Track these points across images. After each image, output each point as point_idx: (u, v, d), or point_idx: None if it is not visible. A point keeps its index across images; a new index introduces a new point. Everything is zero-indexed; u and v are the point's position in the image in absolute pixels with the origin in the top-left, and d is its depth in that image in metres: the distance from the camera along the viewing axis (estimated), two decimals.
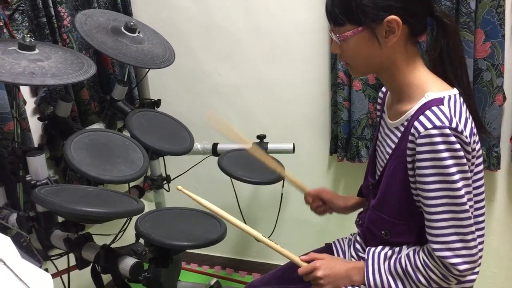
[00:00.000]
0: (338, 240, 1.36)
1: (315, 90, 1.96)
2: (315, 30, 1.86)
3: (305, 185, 1.45)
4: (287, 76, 2.00)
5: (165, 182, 1.88)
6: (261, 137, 1.74)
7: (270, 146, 1.72)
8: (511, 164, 1.77)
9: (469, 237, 0.94)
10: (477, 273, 1.07)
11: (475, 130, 0.97)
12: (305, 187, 1.43)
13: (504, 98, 1.66)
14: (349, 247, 1.29)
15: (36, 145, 1.62)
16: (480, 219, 1.05)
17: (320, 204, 1.41)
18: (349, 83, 1.80)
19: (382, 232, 1.10)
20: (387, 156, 1.07)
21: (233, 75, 2.10)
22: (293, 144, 1.73)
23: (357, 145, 1.86)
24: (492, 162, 1.70)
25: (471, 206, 0.94)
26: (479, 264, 1.00)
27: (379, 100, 1.22)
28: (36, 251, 1.37)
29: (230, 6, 1.99)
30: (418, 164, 0.94)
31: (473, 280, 1.06)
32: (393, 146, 1.05)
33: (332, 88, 1.89)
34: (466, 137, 0.91)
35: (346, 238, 1.35)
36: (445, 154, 0.90)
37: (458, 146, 0.90)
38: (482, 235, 1.06)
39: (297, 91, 2.00)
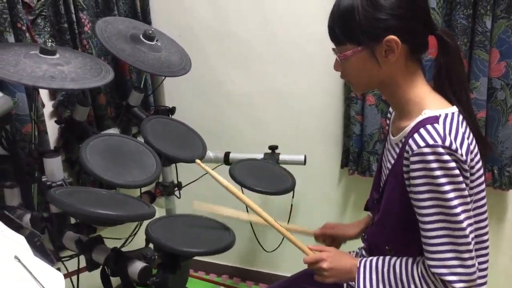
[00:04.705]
0: None
1: (328, 103, 1.97)
2: (330, 42, 1.87)
3: (307, 227, 1.43)
4: (300, 87, 2.01)
5: (176, 189, 1.90)
6: (273, 148, 1.75)
7: (281, 157, 1.73)
8: None
9: (466, 255, 0.92)
10: None
11: (473, 148, 0.96)
12: (308, 231, 1.41)
13: None
14: None
15: (52, 147, 1.65)
16: (484, 238, 1.04)
17: (331, 240, 1.40)
18: (363, 97, 1.81)
19: (386, 247, 1.10)
20: (388, 172, 1.08)
21: (247, 84, 2.11)
22: (305, 156, 1.73)
23: (369, 159, 1.87)
24: (504, 181, 1.69)
25: (470, 224, 0.92)
26: (477, 283, 0.98)
27: (388, 115, 1.23)
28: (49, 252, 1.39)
29: (247, 16, 2.01)
30: (412, 181, 0.94)
31: None
32: (392, 162, 1.06)
33: (346, 102, 1.90)
34: (462, 155, 0.90)
35: (353, 251, 1.35)
36: (439, 173, 0.90)
37: (452, 164, 0.89)
38: (487, 254, 1.05)
39: (310, 103, 2.01)
